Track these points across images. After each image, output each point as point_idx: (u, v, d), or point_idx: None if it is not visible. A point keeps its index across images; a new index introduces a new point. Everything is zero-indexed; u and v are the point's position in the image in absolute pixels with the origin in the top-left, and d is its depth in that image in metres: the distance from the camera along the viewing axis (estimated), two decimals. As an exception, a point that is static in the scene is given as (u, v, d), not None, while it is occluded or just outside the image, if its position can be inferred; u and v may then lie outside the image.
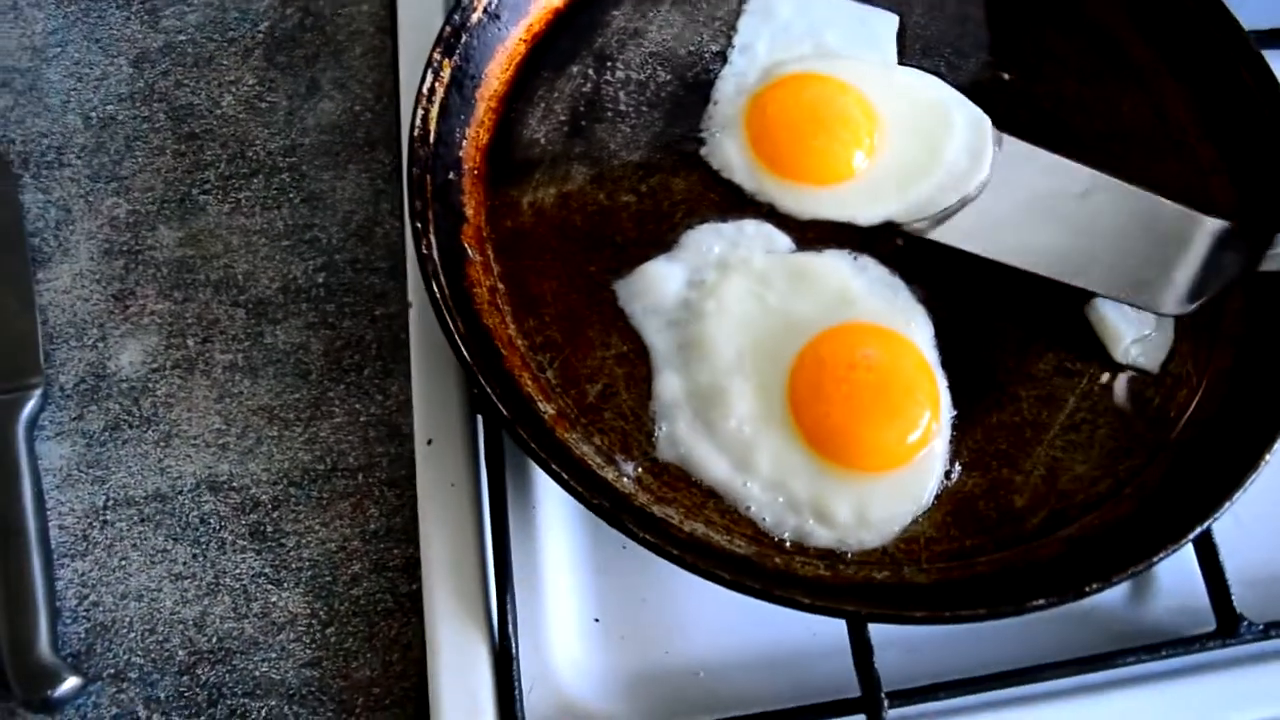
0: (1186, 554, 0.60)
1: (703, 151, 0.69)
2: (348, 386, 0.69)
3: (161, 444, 0.68)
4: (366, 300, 0.72)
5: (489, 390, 0.57)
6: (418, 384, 0.65)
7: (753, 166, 0.68)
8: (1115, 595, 0.62)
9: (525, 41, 0.72)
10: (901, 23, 0.73)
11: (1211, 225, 0.64)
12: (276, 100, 0.79)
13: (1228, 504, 0.57)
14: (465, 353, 0.58)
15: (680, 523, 0.58)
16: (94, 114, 0.79)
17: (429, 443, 0.63)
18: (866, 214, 0.67)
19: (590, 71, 0.71)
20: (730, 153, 0.68)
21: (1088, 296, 0.64)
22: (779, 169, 0.67)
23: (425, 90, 0.65)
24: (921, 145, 0.69)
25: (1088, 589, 0.55)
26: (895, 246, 0.66)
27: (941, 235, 0.65)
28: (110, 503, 0.67)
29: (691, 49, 0.72)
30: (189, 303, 0.72)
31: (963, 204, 0.67)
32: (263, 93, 0.79)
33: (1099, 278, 0.63)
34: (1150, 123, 0.71)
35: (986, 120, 0.69)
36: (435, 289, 0.59)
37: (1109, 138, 0.70)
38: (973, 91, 0.70)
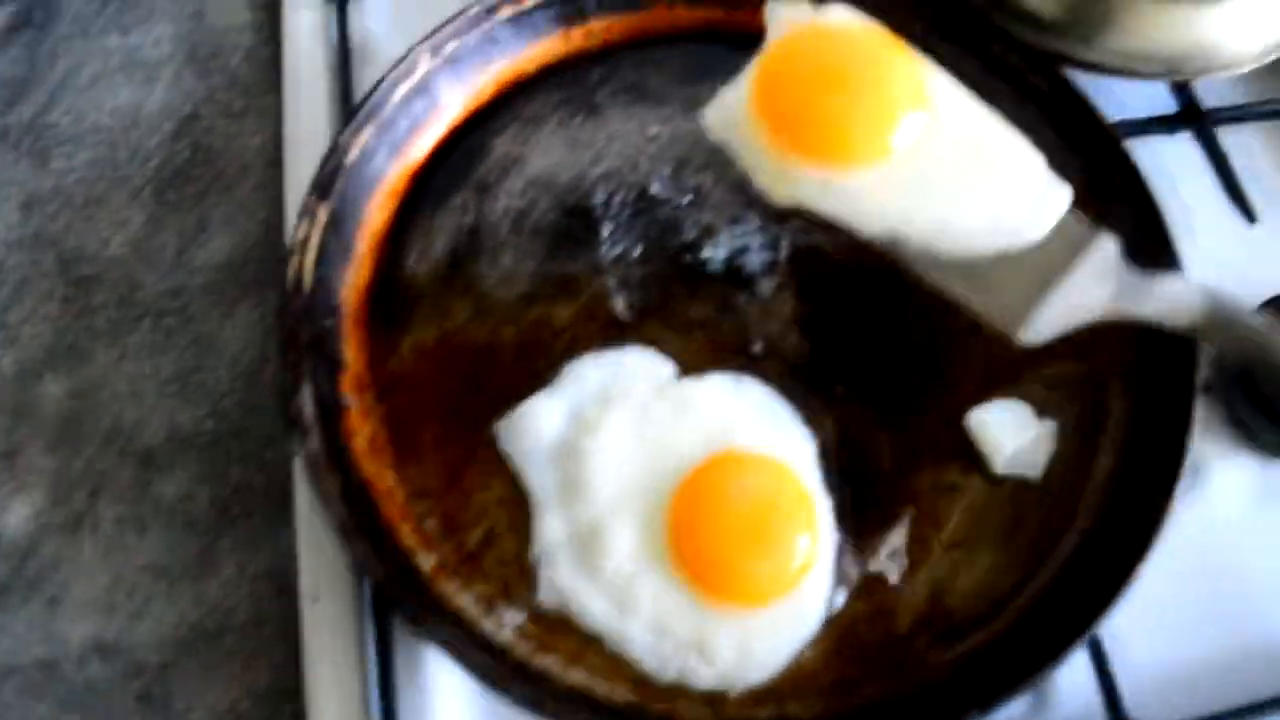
0: (1082, 661, 0.60)
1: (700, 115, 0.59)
2: (235, 538, 0.68)
3: (49, 608, 0.67)
4: (255, 445, 0.71)
5: (361, 553, 0.56)
6: (303, 538, 0.64)
7: (753, 138, 0.58)
8: (1017, 708, 0.61)
9: (406, 176, 0.71)
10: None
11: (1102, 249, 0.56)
12: (166, 239, 0.78)
13: (1098, 622, 0.57)
14: (338, 516, 0.57)
15: (562, 672, 0.57)
16: (-20, 262, 0.78)
17: (314, 600, 0.62)
18: (874, 219, 0.56)
19: (471, 202, 0.71)
20: (734, 120, 0.58)
21: (968, 408, 0.63)
22: (788, 140, 0.56)
23: (300, 239, 0.64)
24: (971, 165, 0.57)
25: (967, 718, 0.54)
26: (779, 366, 0.65)
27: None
28: (-5, 672, 0.65)
29: (572, 174, 0.72)
30: (76, 457, 0.71)
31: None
32: (152, 232, 0.79)
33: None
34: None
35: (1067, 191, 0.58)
36: (307, 449, 0.58)
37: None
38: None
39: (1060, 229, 0.56)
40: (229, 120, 0.83)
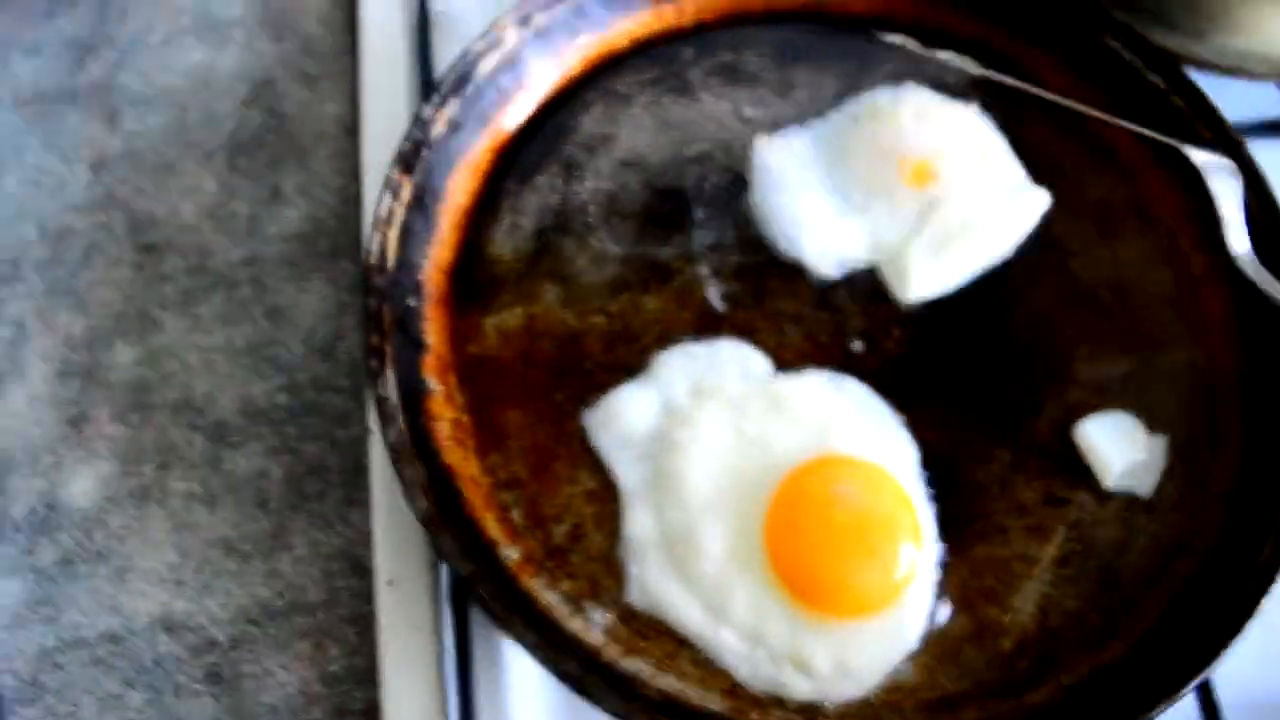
0: (1187, 700, 0.56)
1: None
2: (309, 516, 0.67)
3: (115, 580, 0.65)
4: (329, 422, 0.69)
5: (447, 545, 0.54)
6: (379, 520, 0.62)
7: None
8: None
9: (491, 151, 0.69)
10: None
11: None
12: (238, 207, 0.76)
13: (1225, 652, 0.54)
14: (423, 506, 0.55)
15: (651, 678, 0.55)
16: (50, 224, 0.76)
17: (389, 583, 0.60)
18: None
19: (558, 181, 0.68)
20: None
21: (1077, 418, 0.60)
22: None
23: (383, 214, 0.62)
24: None
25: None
26: (879, 366, 0.62)
27: None
28: (62, 644, 0.64)
29: (664, 155, 0.69)
30: (145, 427, 0.69)
31: None
32: (224, 200, 0.77)
33: None
34: (1139, 225, 0.67)
35: None
36: (391, 435, 0.56)
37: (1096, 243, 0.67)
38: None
39: None
40: (303, 86, 0.81)
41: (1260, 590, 0.56)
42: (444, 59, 0.75)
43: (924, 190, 0.64)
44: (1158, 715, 0.53)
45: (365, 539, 0.65)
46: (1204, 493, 0.60)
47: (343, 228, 0.75)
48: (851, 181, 0.67)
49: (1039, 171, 0.68)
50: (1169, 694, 0.54)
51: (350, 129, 0.78)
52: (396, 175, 0.63)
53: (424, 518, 0.55)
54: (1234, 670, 0.56)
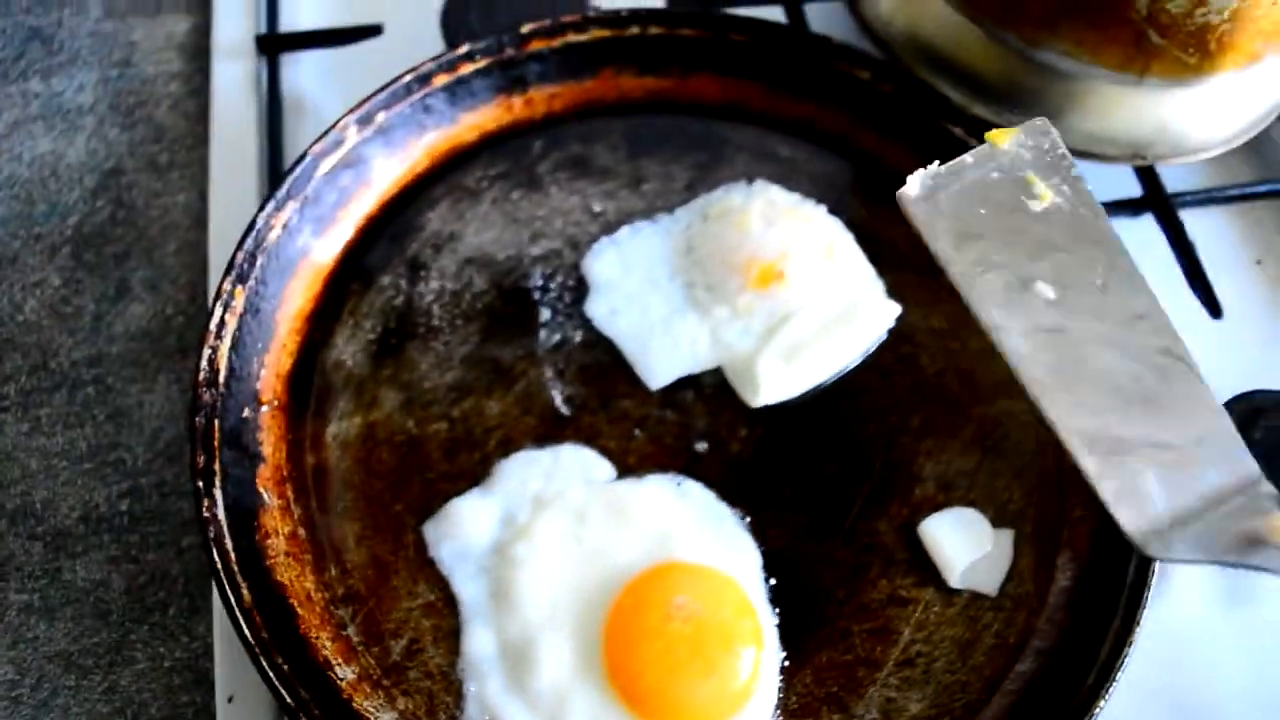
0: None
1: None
2: (151, 628, 0.65)
3: (-52, 701, 0.63)
4: (173, 529, 0.68)
5: (275, 671, 0.53)
6: (220, 632, 0.61)
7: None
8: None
9: (333, 253, 0.68)
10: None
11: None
12: (83, 303, 0.75)
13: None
14: (250, 631, 0.54)
15: (488, 800, 0.54)
16: (-115, 327, 0.74)
17: (230, 700, 0.59)
18: None
19: (403, 282, 0.68)
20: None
21: (922, 516, 0.61)
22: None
23: (213, 326, 0.61)
24: None
25: None
26: (724, 467, 0.62)
27: None
28: (-111, 772, 0.61)
29: (510, 252, 0.69)
30: (-18, 537, 0.67)
31: None
32: (69, 295, 0.75)
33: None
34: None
35: None
36: (218, 558, 0.55)
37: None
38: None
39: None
40: (154, 175, 0.80)
41: (1100, 687, 0.56)
42: (296, 146, 0.74)
43: (769, 292, 0.64)
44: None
45: (210, 650, 0.64)
46: (1048, 588, 0.61)
47: (190, 325, 0.74)
48: (697, 281, 0.67)
49: (890, 266, 0.68)
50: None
51: (201, 220, 0.77)
52: (229, 286, 0.62)
53: (250, 644, 0.54)
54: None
